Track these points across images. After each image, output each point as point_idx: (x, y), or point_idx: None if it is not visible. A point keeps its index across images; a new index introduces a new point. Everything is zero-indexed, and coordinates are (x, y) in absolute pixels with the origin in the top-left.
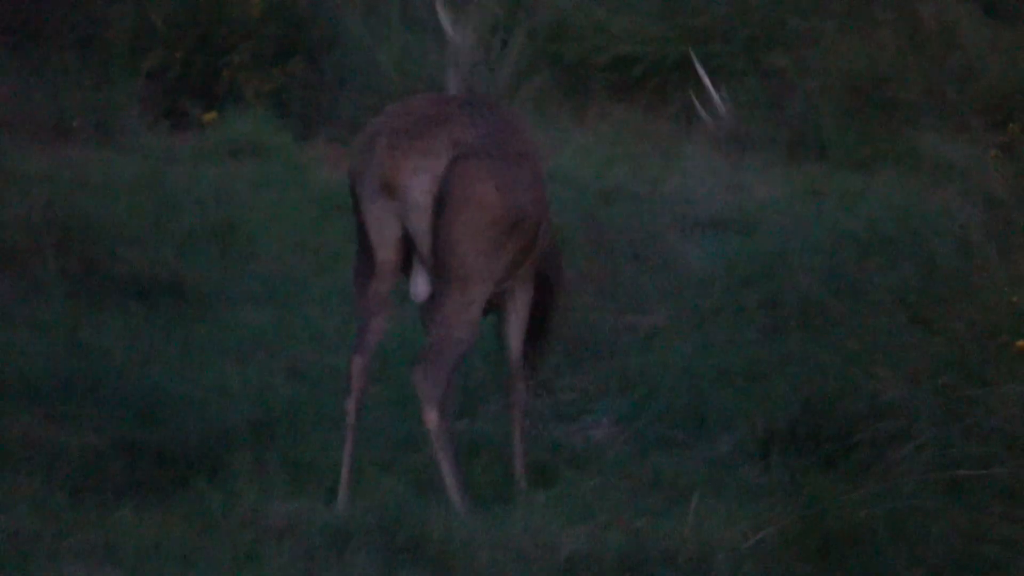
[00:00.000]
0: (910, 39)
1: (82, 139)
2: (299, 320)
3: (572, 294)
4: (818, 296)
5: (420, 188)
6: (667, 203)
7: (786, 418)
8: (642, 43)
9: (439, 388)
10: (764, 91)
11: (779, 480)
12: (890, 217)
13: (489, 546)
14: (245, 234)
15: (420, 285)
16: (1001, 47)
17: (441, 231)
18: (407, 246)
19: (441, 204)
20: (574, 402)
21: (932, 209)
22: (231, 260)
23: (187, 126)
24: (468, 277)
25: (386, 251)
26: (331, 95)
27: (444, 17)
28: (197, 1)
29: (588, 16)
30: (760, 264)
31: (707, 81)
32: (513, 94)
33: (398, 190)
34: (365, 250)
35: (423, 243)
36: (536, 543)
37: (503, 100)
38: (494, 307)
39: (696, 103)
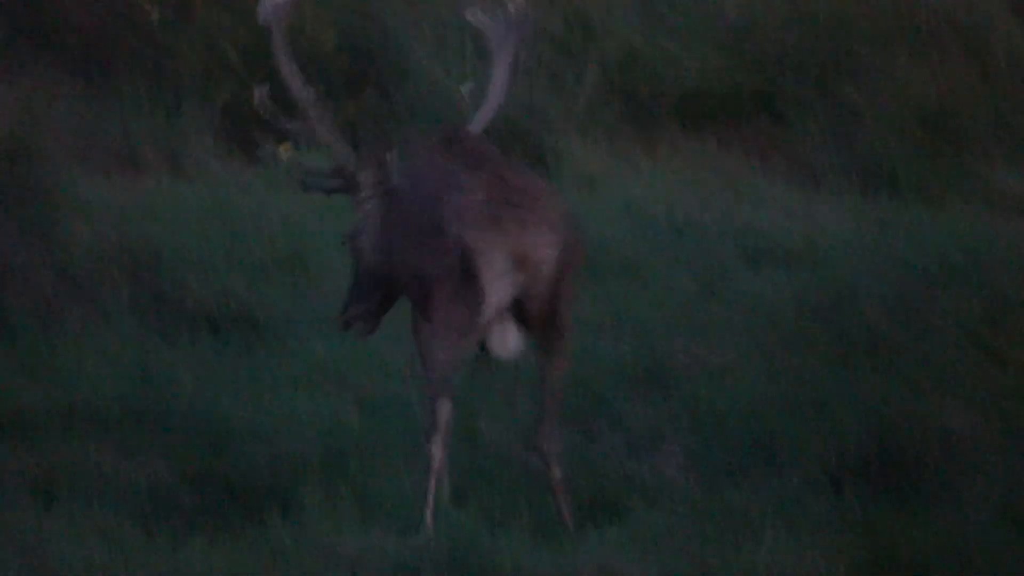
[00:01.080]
0: (981, 71)
1: (153, 170)
2: (368, 352)
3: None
4: (887, 329)
5: (550, 261)
6: (737, 236)
7: (856, 451)
8: (713, 76)
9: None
10: (834, 123)
11: (850, 513)
12: (959, 250)
13: None
14: (314, 265)
15: (514, 342)
16: None
17: (558, 294)
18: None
19: (561, 273)
20: (645, 436)
21: (1001, 242)
22: (301, 291)
23: (260, 158)
24: (569, 337)
25: (492, 312)
26: (402, 127)
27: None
28: (269, 34)
29: (659, 49)
30: (829, 297)
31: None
32: (586, 126)
33: (530, 263)
34: (465, 309)
35: (538, 307)
36: None
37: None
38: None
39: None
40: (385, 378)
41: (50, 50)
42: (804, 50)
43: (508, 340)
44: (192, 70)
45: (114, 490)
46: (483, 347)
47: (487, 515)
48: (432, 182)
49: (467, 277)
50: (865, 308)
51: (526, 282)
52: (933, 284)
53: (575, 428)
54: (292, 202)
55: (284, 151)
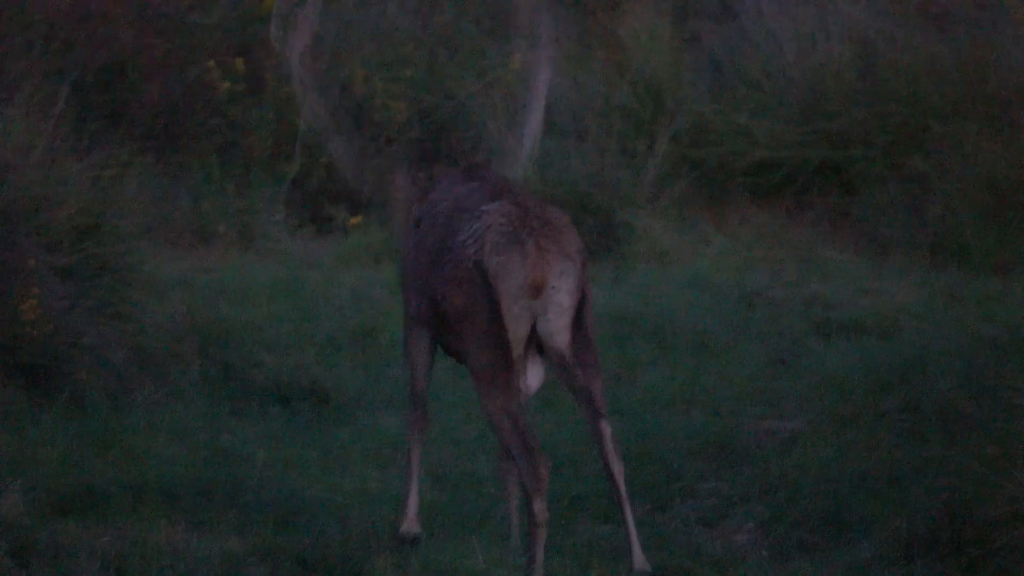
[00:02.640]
0: None
1: (223, 244)
2: (438, 425)
3: None
4: (957, 400)
5: (567, 289)
6: (807, 307)
7: (926, 523)
8: (782, 148)
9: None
10: (904, 195)
11: None
12: None
13: None
14: (384, 339)
15: (536, 377)
16: None
17: (583, 326)
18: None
19: (580, 304)
20: (716, 506)
21: None
22: (370, 365)
23: (331, 231)
24: (598, 356)
25: (519, 349)
26: None
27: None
28: (341, 107)
29: (729, 121)
30: (899, 368)
31: None
32: (656, 198)
33: (545, 289)
34: (496, 351)
35: (558, 339)
36: None
37: (647, 205)
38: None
39: None
40: (455, 452)
41: (121, 125)
42: (873, 121)
43: (531, 375)
44: (262, 144)
45: (185, 565)
46: None
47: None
48: (452, 209)
49: (491, 306)
50: (935, 379)
51: (541, 310)
52: (1004, 355)
53: (646, 499)
54: (361, 276)
55: (354, 223)
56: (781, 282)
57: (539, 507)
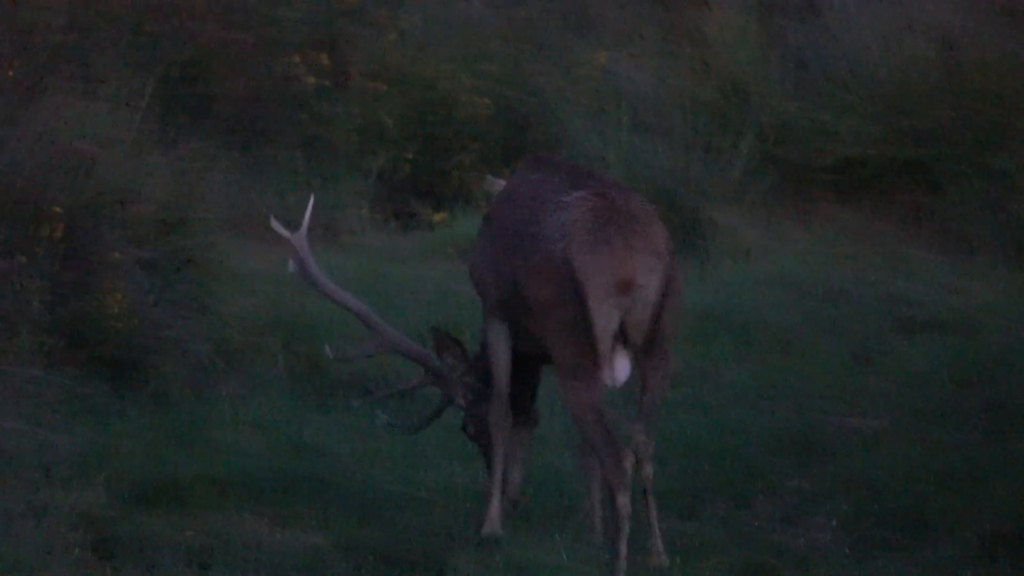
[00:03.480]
0: None
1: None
2: None
3: None
4: None
5: (654, 286)
6: (890, 305)
7: (1009, 521)
8: (866, 145)
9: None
10: (988, 193)
11: None
12: None
13: None
14: (468, 335)
15: (623, 370)
16: None
17: (661, 320)
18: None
19: (663, 297)
20: (798, 504)
21: None
22: None
23: (415, 226)
24: (670, 352)
25: (606, 344)
26: None
27: None
28: (425, 103)
29: (813, 119)
30: (982, 367)
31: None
32: (740, 195)
33: (634, 288)
34: (580, 344)
35: (640, 332)
36: None
37: (731, 203)
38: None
39: None
40: (539, 448)
41: (206, 119)
42: (958, 120)
43: (618, 368)
44: (347, 138)
45: (269, 559)
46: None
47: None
48: (531, 197)
49: (578, 302)
50: (1018, 377)
51: (630, 306)
52: None
53: (729, 496)
54: (446, 271)
55: (438, 219)
56: (865, 280)
57: (622, 501)
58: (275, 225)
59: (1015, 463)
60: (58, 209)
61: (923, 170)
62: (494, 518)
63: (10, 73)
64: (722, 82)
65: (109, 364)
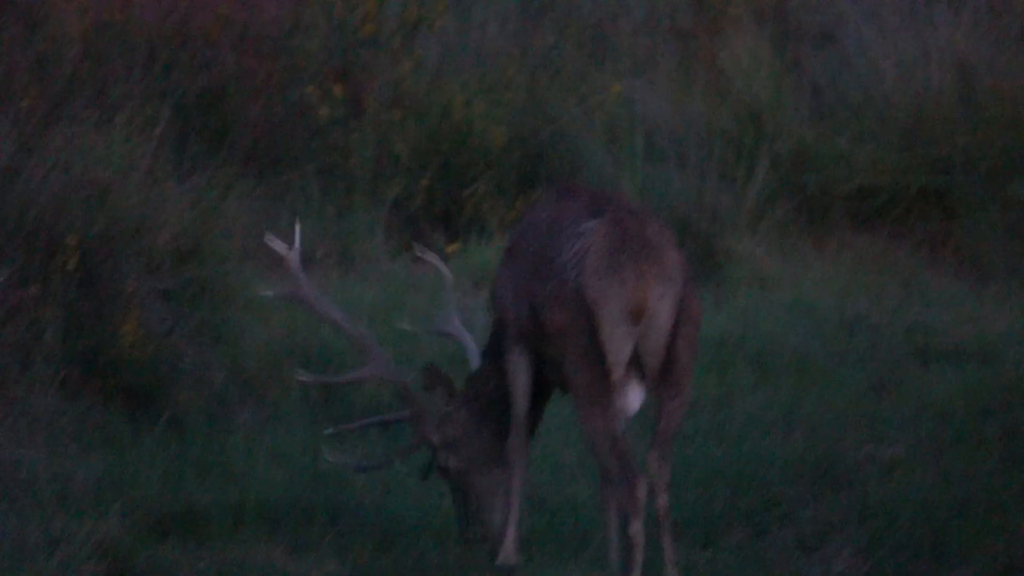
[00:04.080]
0: None
1: (323, 267)
2: (539, 450)
3: None
4: None
5: (666, 313)
6: (907, 332)
7: None
8: (883, 173)
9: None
10: (1005, 221)
11: None
12: None
13: None
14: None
15: (635, 399)
16: None
17: (675, 347)
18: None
19: (676, 324)
20: (815, 532)
21: None
22: None
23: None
24: (687, 381)
25: (619, 370)
26: None
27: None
28: (440, 131)
29: (830, 146)
30: (1000, 394)
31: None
32: (756, 223)
33: (645, 314)
34: (595, 371)
35: (655, 359)
36: None
37: (747, 230)
38: None
39: None
40: (555, 476)
41: (221, 147)
42: (975, 147)
43: (630, 397)
44: (362, 167)
45: None
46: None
47: None
48: (551, 222)
49: (591, 329)
50: None
51: (643, 333)
52: None
53: (745, 524)
54: (461, 301)
55: (451, 250)
56: (882, 307)
57: (636, 528)
58: (271, 242)
59: None
60: (73, 238)
61: (940, 197)
62: (509, 547)
63: (25, 102)
64: (738, 109)
65: (125, 393)
